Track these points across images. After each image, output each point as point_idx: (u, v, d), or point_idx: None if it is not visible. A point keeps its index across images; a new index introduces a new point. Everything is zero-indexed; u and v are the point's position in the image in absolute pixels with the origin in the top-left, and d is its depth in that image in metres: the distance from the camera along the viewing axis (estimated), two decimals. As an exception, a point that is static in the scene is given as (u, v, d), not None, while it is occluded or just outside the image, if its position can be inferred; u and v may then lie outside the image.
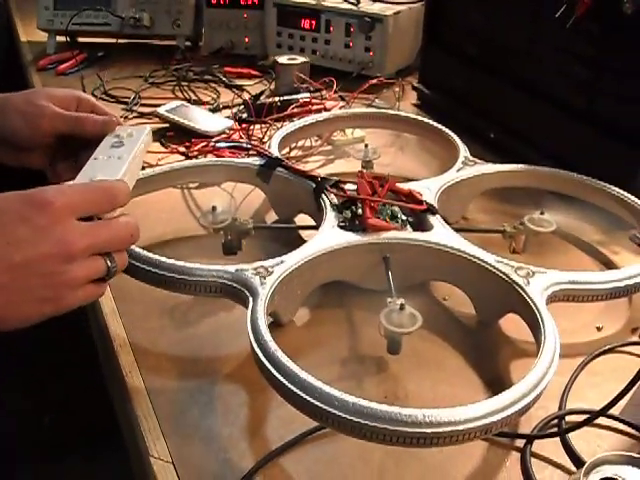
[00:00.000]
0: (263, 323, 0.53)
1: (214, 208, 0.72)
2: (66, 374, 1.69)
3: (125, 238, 0.54)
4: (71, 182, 0.56)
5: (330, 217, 0.70)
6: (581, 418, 0.53)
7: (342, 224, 0.70)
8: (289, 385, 0.47)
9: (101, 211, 0.53)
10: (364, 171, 0.81)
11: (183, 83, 1.28)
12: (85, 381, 1.62)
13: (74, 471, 1.42)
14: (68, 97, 0.69)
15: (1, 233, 0.48)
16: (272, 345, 0.51)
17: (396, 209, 0.72)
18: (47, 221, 0.49)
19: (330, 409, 0.45)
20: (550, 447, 0.54)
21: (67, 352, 1.73)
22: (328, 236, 0.67)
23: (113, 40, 1.45)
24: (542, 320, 0.56)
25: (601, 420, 0.55)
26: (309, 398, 0.46)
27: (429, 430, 0.44)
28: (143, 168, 0.92)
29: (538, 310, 0.58)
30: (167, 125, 1.08)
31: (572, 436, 0.54)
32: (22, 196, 0.50)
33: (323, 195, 0.74)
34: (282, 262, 0.62)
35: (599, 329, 0.68)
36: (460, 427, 0.45)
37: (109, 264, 0.53)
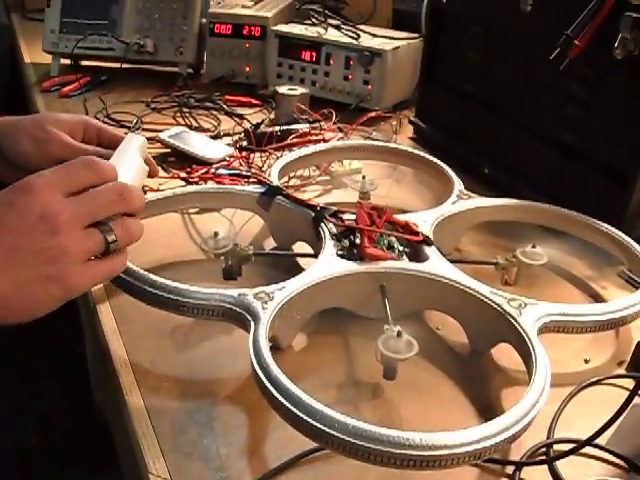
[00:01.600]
0: (265, 347, 0.55)
1: (216, 234, 0.73)
2: (54, 393, 1.70)
3: (113, 200, 0.54)
4: None
5: (329, 246, 0.72)
6: (568, 447, 0.55)
7: (340, 253, 0.71)
8: (291, 407, 0.49)
9: (86, 182, 0.54)
10: (362, 202, 0.83)
11: (184, 109, 1.31)
12: (74, 401, 1.63)
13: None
14: (76, 123, 0.71)
15: None
16: (274, 368, 0.52)
17: (393, 239, 0.74)
18: (30, 201, 0.51)
19: (331, 431, 0.47)
20: (538, 474, 0.55)
21: (56, 372, 1.74)
22: (327, 264, 0.69)
23: (116, 65, 1.47)
24: (534, 350, 0.58)
25: (588, 449, 0.57)
26: (310, 420, 0.48)
27: (426, 453, 0.46)
28: (145, 192, 0.95)
29: (530, 340, 0.59)
30: (169, 150, 1.10)
31: (559, 464, 0.55)
32: (7, 187, 0.52)
33: (322, 224, 0.76)
34: (283, 288, 0.64)
35: (587, 361, 0.70)
36: (455, 451, 0.46)
37: (106, 236, 0.53)
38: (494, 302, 0.65)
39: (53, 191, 0.51)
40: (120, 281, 0.65)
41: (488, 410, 0.62)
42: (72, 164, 0.55)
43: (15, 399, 1.64)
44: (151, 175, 0.71)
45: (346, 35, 1.38)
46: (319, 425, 0.47)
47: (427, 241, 0.74)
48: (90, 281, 0.53)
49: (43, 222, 0.50)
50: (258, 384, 0.53)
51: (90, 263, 0.53)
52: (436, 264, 0.71)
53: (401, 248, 0.73)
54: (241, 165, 1.05)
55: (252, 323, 0.59)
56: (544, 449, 0.58)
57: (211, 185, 0.97)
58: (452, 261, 0.72)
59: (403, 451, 0.46)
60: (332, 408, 0.49)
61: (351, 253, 0.71)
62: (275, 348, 0.66)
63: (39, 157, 0.68)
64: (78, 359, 1.39)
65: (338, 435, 0.47)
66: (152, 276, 0.64)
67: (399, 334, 0.58)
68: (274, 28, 1.42)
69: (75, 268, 0.52)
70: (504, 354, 0.67)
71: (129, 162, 0.63)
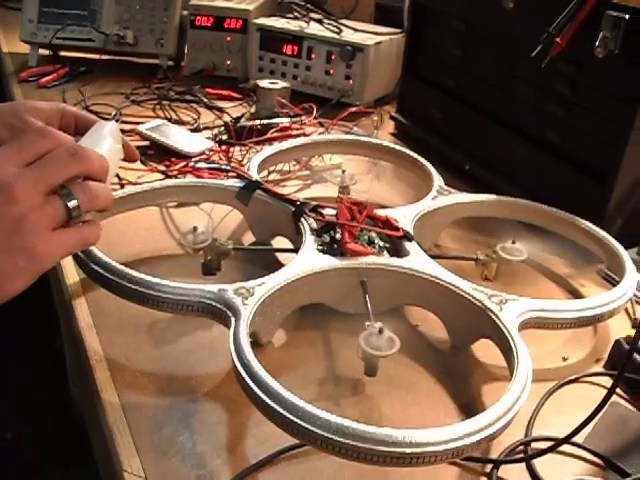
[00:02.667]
0: (246, 343, 0.54)
1: (195, 228, 0.72)
2: (30, 389, 1.68)
3: (67, 161, 0.53)
4: None
5: (309, 241, 0.71)
6: (546, 445, 0.55)
7: (321, 248, 0.71)
8: (272, 404, 0.48)
9: (40, 151, 0.52)
10: (343, 197, 0.83)
11: (164, 102, 1.29)
12: (51, 397, 1.61)
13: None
14: (52, 111, 0.70)
15: None
16: (255, 364, 0.51)
17: (373, 235, 0.73)
18: None
19: (313, 428, 0.46)
20: (516, 472, 0.55)
21: (33, 367, 1.72)
22: (307, 259, 0.69)
23: (96, 56, 1.45)
24: (515, 346, 0.58)
25: (566, 447, 0.57)
26: (292, 417, 0.47)
27: (407, 450, 0.45)
28: (122, 185, 0.94)
29: (511, 336, 0.59)
30: (147, 143, 1.08)
31: (537, 462, 0.56)
32: None
33: (302, 219, 0.75)
34: (263, 283, 0.63)
35: (565, 359, 0.70)
36: (436, 448, 0.46)
37: (66, 200, 0.52)
38: (475, 298, 0.65)
39: (6, 163, 0.51)
40: (97, 275, 0.64)
41: (468, 406, 0.62)
42: (25, 135, 0.54)
43: None
44: (131, 159, 0.69)
45: (328, 29, 1.38)
46: (301, 422, 0.47)
47: (408, 237, 0.74)
48: (59, 250, 0.52)
49: None
50: (239, 380, 0.52)
51: (56, 231, 0.52)
52: (417, 260, 0.70)
53: (382, 243, 0.73)
54: (220, 159, 1.04)
55: (232, 319, 0.58)
56: (522, 447, 0.58)
57: (190, 179, 0.96)
58: (432, 257, 0.72)
59: (385, 448, 0.45)
60: (312, 404, 0.48)
61: (331, 248, 0.71)
62: (255, 344, 0.65)
63: None
64: (57, 355, 1.37)
65: (320, 432, 0.46)
66: (130, 271, 0.63)
67: (381, 331, 0.58)
68: (256, 21, 1.41)
69: (40, 236, 0.50)
70: (484, 349, 0.67)
71: (97, 142, 0.62)
